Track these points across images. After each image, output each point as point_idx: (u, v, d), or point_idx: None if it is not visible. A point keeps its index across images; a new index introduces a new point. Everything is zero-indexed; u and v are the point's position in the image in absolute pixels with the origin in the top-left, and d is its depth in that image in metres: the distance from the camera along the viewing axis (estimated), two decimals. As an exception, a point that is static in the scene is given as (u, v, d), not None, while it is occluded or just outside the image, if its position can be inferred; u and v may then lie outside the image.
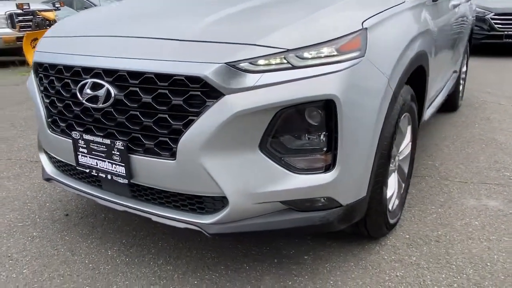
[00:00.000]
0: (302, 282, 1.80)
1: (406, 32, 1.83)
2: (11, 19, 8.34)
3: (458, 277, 1.81)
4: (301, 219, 1.58)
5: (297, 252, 2.01)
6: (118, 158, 1.63)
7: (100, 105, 1.60)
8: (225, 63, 1.42)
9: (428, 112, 2.67)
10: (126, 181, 1.65)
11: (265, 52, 1.44)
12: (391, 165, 2.02)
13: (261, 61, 1.44)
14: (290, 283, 1.80)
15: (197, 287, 1.79)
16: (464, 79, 4.70)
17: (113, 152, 1.64)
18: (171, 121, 1.50)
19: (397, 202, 2.18)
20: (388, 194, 2.01)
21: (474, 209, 2.38)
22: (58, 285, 1.82)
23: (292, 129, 1.49)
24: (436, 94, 2.86)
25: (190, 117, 1.47)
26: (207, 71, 1.41)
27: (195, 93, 1.45)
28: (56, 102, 1.82)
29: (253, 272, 1.88)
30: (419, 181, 2.76)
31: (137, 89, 1.54)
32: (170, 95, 1.49)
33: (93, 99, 1.62)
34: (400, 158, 2.17)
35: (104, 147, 1.66)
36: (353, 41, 1.53)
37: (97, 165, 1.72)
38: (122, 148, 1.60)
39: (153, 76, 1.50)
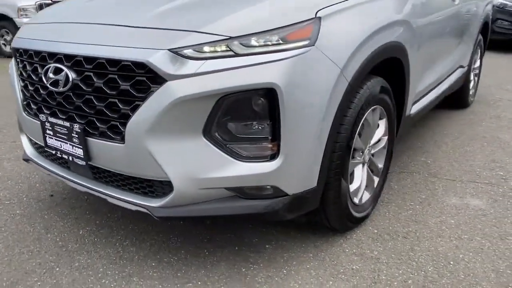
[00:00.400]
0: (255, 270, 1.82)
1: (368, 23, 1.78)
2: (41, 9, 8.68)
3: (415, 274, 1.78)
4: (246, 206, 1.59)
5: (260, 240, 2.03)
6: (77, 141, 1.70)
7: (61, 89, 1.67)
8: (168, 49, 1.45)
9: (415, 107, 2.60)
10: (84, 163, 1.71)
11: (208, 39, 1.45)
12: (358, 157, 1.99)
13: (203, 48, 1.45)
14: (243, 270, 1.82)
15: (154, 268, 1.84)
16: (478, 75, 4.52)
17: (72, 134, 1.70)
18: (120, 106, 1.55)
19: (367, 196, 2.15)
20: (353, 187, 1.99)
21: (453, 208, 2.31)
22: (26, 259, 1.92)
23: (236, 116, 1.50)
24: (428, 88, 2.78)
25: (136, 102, 1.51)
26: (151, 57, 1.44)
27: (141, 79, 1.49)
28: (28, 85, 1.90)
29: (211, 258, 1.91)
30: (405, 177, 2.70)
31: (91, 73, 1.59)
32: (119, 80, 1.53)
33: (56, 83, 1.68)
34: (372, 151, 2.13)
35: (65, 129, 1.73)
36: (302, 30, 1.52)
37: (61, 147, 1.79)
38: (79, 131, 1.66)
39: (104, 61, 1.55)
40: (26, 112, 1.97)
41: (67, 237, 2.09)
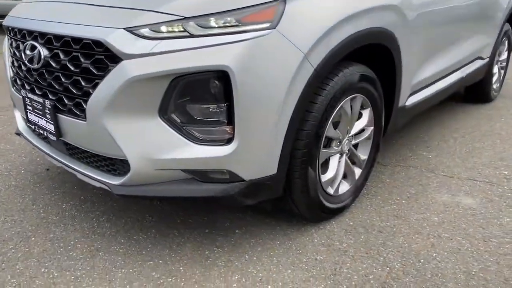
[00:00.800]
0: (218, 253, 1.83)
1: (344, 7, 1.70)
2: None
3: (379, 269, 1.72)
4: (202, 189, 1.59)
5: (231, 225, 2.03)
6: (49, 117, 1.75)
7: (36, 66, 1.72)
8: (123, 28, 1.45)
9: (413, 99, 2.48)
10: (55, 138, 1.77)
11: (165, 19, 1.44)
12: (335, 147, 1.94)
13: (160, 28, 1.45)
14: (207, 252, 1.84)
15: (122, 245, 1.89)
16: (504, 68, 4.25)
17: (46, 110, 1.76)
18: (83, 83, 1.58)
19: (346, 187, 2.09)
20: (327, 176, 1.94)
21: (441, 205, 2.21)
22: (7, 228, 2.02)
23: (191, 99, 1.49)
24: (430, 80, 2.64)
25: (96, 80, 1.53)
26: (107, 36, 1.46)
27: (100, 57, 1.51)
28: (14, 62, 1.97)
29: (179, 239, 1.93)
30: (400, 170, 2.61)
31: (59, 51, 1.63)
32: (81, 58, 1.56)
33: (32, 60, 1.74)
34: (354, 142, 2.07)
35: (40, 105, 1.78)
36: (263, 12, 1.48)
37: (38, 122, 1.85)
38: (50, 107, 1.72)
39: (69, 39, 1.58)
40: (14, 88, 2.06)
41: (50, 210, 2.17)
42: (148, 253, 1.83)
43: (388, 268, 1.73)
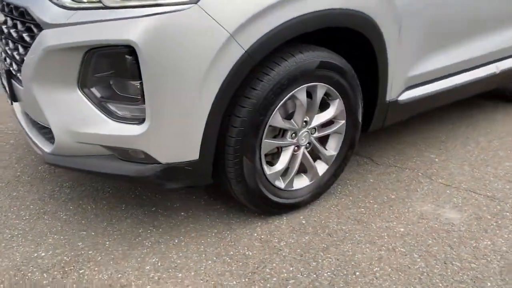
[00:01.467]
0: (151, 233, 1.81)
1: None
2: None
3: (304, 275, 1.58)
4: (120, 167, 1.56)
5: (181, 207, 1.99)
6: (5, 81, 1.83)
7: (3, 33, 1.79)
8: (46, -3, 1.44)
9: (410, 93, 2.19)
10: (11, 102, 1.84)
11: (83, -12, 1.41)
12: (289, 138, 1.79)
13: (78, -2, 1.41)
14: (140, 231, 1.82)
15: (67, 212, 1.94)
16: None
17: (5, 76, 1.83)
18: (20, 50, 1.61)
19: (305, 182, 1.94)
20: (276, 168, 1.80)
21: (417, 215, 1.97)
22: (-18, 182, 2.18)
23: (109, 73, 1.45)
24: (439, 73, 2.31)
25: (28, 48, 1.55)
26: (32, 4, 1.46)
27: (29, 25, 1.52)
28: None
29: (122, 213, 1.94)
30: (392, 171, 2.37)
31: (8, 18, 1.67)
32: (19, 26, 1.59)
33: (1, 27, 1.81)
34: (317, 135, 1.89)
35: (3, 71, 1.87)
36: (183, -15, 1.38)
37: (5, 86, 1.95)
38: (4, 72, 1.78)
39: (12, 7, 1.61)
40: None
41: (27, 170, 2.30)
42: (87, 223, 1.87)
43: (314, 275, 1.58)
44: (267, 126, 1.66)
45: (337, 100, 1.87)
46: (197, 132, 1.50)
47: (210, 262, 1.64)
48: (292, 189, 1.90)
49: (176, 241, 1.76)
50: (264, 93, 1.58)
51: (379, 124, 2.19)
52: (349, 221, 1.90)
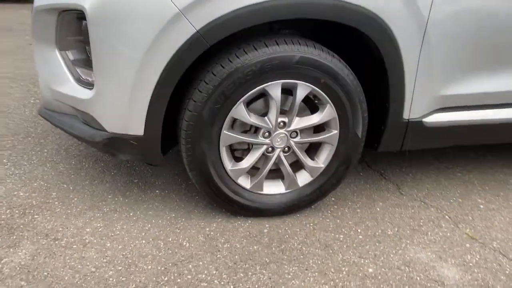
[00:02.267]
0: (116, 200, 1.86)
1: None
2: None
3: (220, 283, 1.44)
4: (80, 129, 1.63)
5: (161, 186, 2.01)
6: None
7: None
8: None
9: (442, 116, 1.79)
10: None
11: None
12: (261, 137, 1.65)
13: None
14: (110, 197, 1.89)
15: (48, 175, 2.11)
16: None
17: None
18: (34, 11, 1.80)
19: (279, 189, 1.77)
20: (240, 165, 1.68)
21: (403, 261, 1.63)
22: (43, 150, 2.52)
23: (74, 35, 1.53)
24: (482, 99, 1.82)
25: (35, 9, 1.72)
26: (34, -32, 1.62)
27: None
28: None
29: (106, 177, 2.04)
30: (415, 206, 2.00)
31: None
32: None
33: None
34: (297, 139, 1.70)
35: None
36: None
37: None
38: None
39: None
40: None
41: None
42: (74, 178, 2.02)
43: (231, 287, 1.43)
44: (227, 117, 1.55)
45: (327, 105, 1.64)
46: (141, 108, 1.48)
47: (144, 242, 1.62)
48: (261, 192, 1.75)
49: (131, 214, 1.78)
50: (222, 81, 1.48)
51: (395, 146, 1.85)
52: (315, 244, 1.67)
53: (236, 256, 1.57)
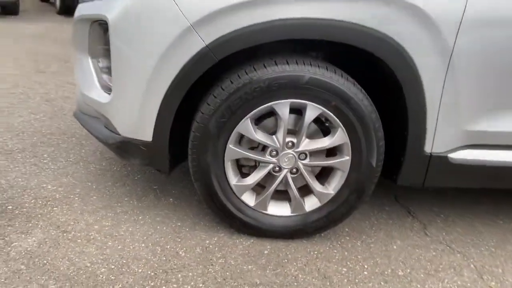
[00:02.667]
0: (131, 203, 1.93)
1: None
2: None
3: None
4: (100, 131, 1.74)
5: (176, 194, 2.06)
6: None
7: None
8: (85, -23, 1.74)
9: (471, 153, 1.64)
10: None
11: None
12: (268, 156, 1.63)
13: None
14: (126, 199, 1.98)
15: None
16: None
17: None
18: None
19: (285, 212, 1.74)
20: (244, 181, 1.68)
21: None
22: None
23: (102, 44, 1.65)
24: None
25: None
26: (78, -17, 1.79)
27: None
28: None
29: (128, 180, 2.13)
30: (438, 249, 1.83)
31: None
32: (82, 2, 1.96)
33: None
34: (306, 161, 1.66)
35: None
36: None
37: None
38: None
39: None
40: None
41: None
42: (100, 178, 2.13)
43: (211, 302, 1.41)
44: (233, 132, 1.56)
45: (338, 129, 1.59)
46: (151, 115, 1.55)
47: (143, 245, 1.66)
48: (265, 212, 1.72)
49: (140, 217, 1.84)
50: (230, 95, 1.50)
51: (417, 180, 1.73)
52: (313, 273, 1.59)
53: (228, 273, 1.55)
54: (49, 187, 2.01)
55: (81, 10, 1.70)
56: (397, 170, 1.70)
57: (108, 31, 1.52)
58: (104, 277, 1.46)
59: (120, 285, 1.43)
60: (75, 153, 2.39)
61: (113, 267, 1.52)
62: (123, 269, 1.51)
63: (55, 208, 1.84)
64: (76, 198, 1.93)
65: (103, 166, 2.26)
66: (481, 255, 1.81)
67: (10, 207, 1.82)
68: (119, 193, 2.01)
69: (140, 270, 1.51)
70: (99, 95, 1.68)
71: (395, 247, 1.81)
